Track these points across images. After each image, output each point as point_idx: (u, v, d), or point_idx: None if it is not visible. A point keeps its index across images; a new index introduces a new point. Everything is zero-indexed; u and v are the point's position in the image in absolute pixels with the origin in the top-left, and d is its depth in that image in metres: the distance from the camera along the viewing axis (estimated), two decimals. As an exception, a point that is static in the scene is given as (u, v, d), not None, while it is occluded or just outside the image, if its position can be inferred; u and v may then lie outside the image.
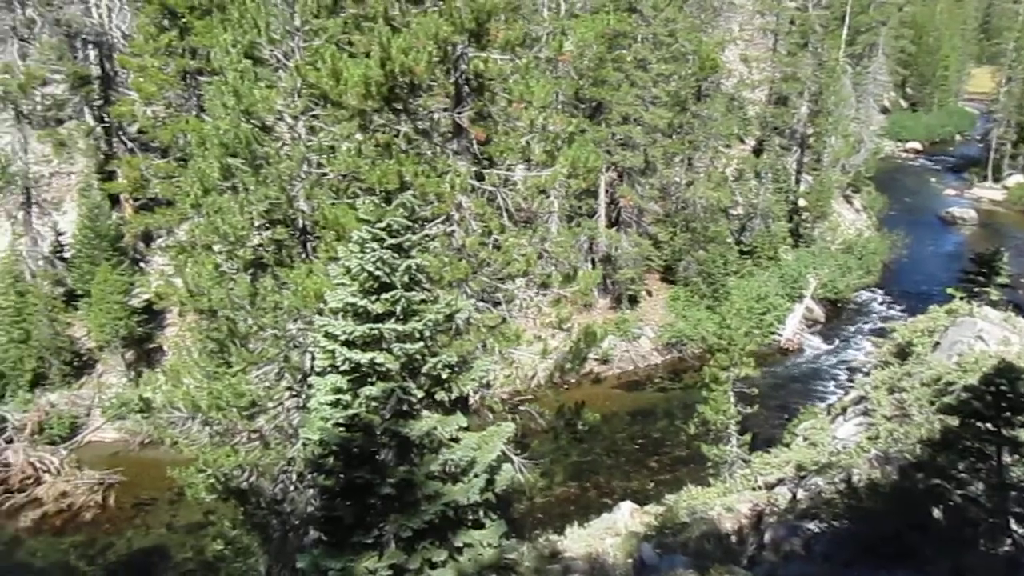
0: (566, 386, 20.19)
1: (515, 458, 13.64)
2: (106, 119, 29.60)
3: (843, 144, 46.30)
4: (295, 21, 12.84)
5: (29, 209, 27.12)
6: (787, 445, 20.65)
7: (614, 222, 35.72)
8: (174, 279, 26.21)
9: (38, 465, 24.10)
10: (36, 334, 25.67)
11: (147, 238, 29.88)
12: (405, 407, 11.60)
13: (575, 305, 14.25)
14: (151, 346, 28.28)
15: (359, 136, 11.92)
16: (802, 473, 17.12)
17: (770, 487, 17.45)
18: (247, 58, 12.68)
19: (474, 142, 12.23)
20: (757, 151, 43.88)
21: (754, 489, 17.74)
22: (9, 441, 24.34)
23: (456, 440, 12.18)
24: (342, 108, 11.30)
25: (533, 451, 14.88)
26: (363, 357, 10.97)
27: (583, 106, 34.05)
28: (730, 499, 17.19)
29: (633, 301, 35.34)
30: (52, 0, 27.09)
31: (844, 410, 21.40)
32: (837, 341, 36.20)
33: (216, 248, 12.56)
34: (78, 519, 23.13)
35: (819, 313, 38.07)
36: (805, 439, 20.22)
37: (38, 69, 26.62)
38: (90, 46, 29.91)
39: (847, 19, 53.33)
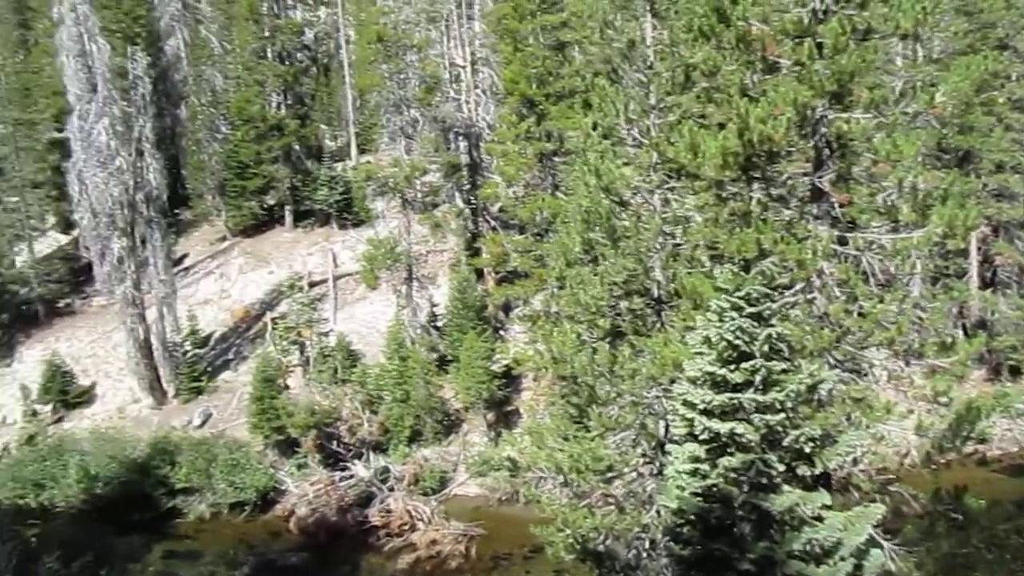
0: (941, 467, 18.22)
1: (885, 543, 12.55)
2: (473, 201, 32.91)
3: None
4: (650, 100, 13.44)
5: (411, 283, 30.74)
6: None
7: (989, 283, 31.97)
8: (531, 346, 28.09)
9: (413, 513, 26.64)
10: (414, 395, 28.66)
11: (506, 308, 32.35)
12: (765, 480, 11.24)
13: (954, 377, 12.91)
14: (509, 408, 30.28)
15: (714, 205, 12.05)
16: None
17: None
18: (605, 138, 13.48)
19: (836, 205, 11.78)
20: None
21: None
22: (391, 489, 27.24)
23: (820, 519, 11.53)
24: (698, 179, 11.53)
25: (905, 537, 13.58)
26: (722, 427, 10.86)
27: (947, 156, 31.21)
28: None
29: (1015, 372, 31.10)
30: (431, 101, 30.95)
31: None
32: None
33: (577, 317, 13.30)
34: (444, 566, 25.07)
35: None
36: None
37: (420, 161, 30.44)
38: (460, 137, 33.62)
39: None
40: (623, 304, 13.47)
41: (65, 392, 31.83)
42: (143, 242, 30.75)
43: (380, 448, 28.26)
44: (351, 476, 27.14)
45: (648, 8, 13.46)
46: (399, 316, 30.73)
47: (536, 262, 27.82)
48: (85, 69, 28.79)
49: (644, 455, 14.39)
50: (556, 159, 28.63)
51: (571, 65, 29.06)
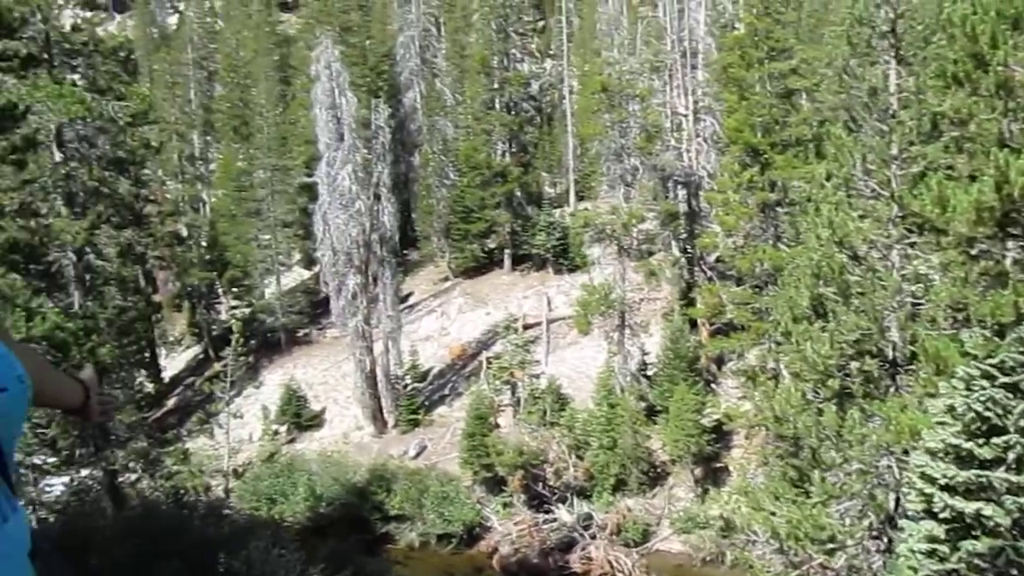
0: None
1: None
2: (690, 250, 32.48)
3: None
4: (892, 150, 12.71)
5: (623, 331, 30.69)
6: None
7: None
8: (744, 401, 27.09)
9: (615, 564, 26.26)
10: (621, 443, 28.43)
11: (719, 361, 31.46)
12: (1016, 571, 10.11)
13: None
14: (717, 465, 29.28)
15: (963, 263, 11.13)
16: None
17: None
18: (839, 189, 12.87)
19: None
20: None
21: None
22: (593, 537, 27.05)
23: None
24: (945, 235, 10.71)
25: None
26: (967, 506, 9.91)
27: None
28: None
29: None
30: (652, 149, 31.05)
31: None
32: None
33: (803, 376, 12.67)
34: (642, 621, 24.55)
35: None
36: None
37: (638, 209, 30.54)
38: (679, 186, 33.39)
39: None
40: (854, 365, 12.67)
41: (299, 415, 34.47)
42: (375, 280, 32.91)
43: (584, 494, 28.20)
44: (554, 519, 27.25)
45: (893, 54, 12.78)
46: (610, 363, 30.72)
47: (754, 315, 26.91)
48: (334, 120, 31.48)
49: (871, 528, 13.35)
50: (779, 209, 27.68)
51: (799, 113, 28.13)
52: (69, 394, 1.92)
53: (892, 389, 12.74)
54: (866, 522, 13.05)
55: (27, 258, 16.53)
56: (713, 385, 31.26)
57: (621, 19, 42.02)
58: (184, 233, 43.52)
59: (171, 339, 41.69)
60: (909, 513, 10.97)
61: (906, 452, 11.80)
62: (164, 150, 39.61)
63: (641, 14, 41.08)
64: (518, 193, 40.25)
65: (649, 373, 31.25)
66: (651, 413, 29.89)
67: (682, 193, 33.38)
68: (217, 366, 34.10)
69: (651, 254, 32.40)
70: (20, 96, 15.41)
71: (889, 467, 12.24)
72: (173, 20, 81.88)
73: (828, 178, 12.48)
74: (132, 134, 23.31)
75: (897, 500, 13.12)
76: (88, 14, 24.41)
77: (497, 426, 30.25)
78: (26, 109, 15.44)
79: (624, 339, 30.60)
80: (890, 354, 12.72)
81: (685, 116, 34.38)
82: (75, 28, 21.24)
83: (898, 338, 12.43)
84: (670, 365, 29.52)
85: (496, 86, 40.17)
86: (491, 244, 41.83)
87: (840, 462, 12.16)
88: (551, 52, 53.96)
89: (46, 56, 17.86)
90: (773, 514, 13.68)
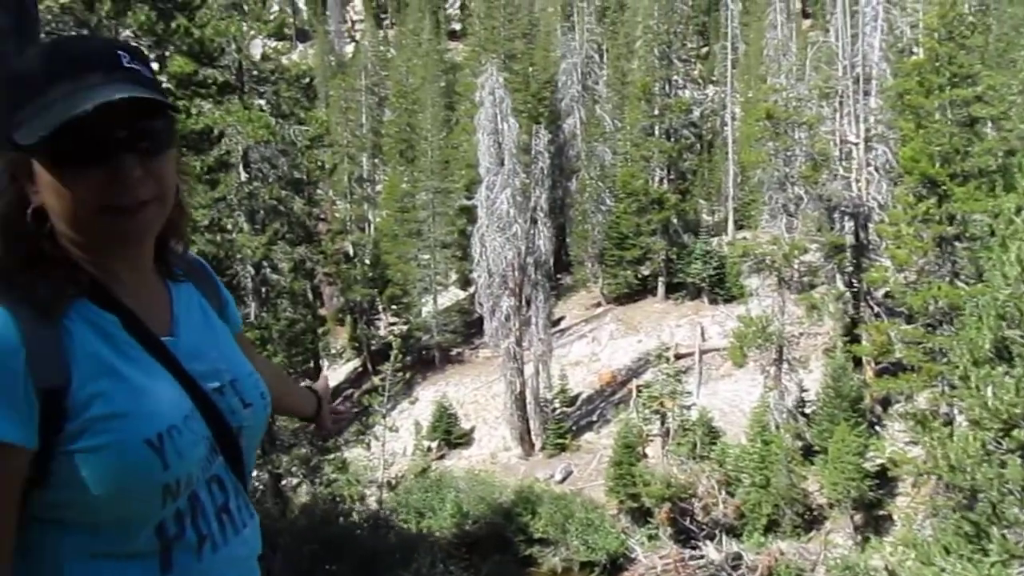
0: None
1: None
2: (856, 284, 30.96)
3: None
4: (1093, 183, 11.69)
5: (780, 365, 29.59)
6: None
7: None
8: (912, 447, 25.46)
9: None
10: (775, 482, 27.36)
11: (885, 402, 29.76)
12: None
13: None
14: (880, 512, 27.63)
15: None
16: None
17: None
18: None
19: None
20: None
21: None
22: (742, 577, 26.15)
23: None
24: None
25: None
26: None
27: None
28: None
29: None
30: (818, 179, 29.91)
31: None
32: None
33: (983, 424, 11.78)
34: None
35: None
36: None
37: (800, 240, 29.45)
38: (847, 217, 31.94)
39: None
40: (1042, 415, 11.66)
41: (449, 432, 35.29)
42: (528, 302, 33.33)
43: (733, 532, 27.29)
44: (701, 556, 26.48)
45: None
46: (765, 398, 29.70)
47: (926, 355, 25.30)
48: (496, 145, 32.26)
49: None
50: (958, 244, 25.98)
51: (984, 143, 26.37)
52: (302, 404, 2.10)
53: (1088, 444, 11.61)
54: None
55: (214, 270, 17.82)
56: (877, 427, 29.63)
57: (790, 45, 40.91)
58: (350, 251, 45.69)
59: (333, 351, 43.72)
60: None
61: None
62: (336, 171, 41.82)
63: (811, 39, 39.87)
64: (675, 220, 39.76)
65: (807, 411, 29.98)
66: (808, 453, 28.67)
67: (849, 225, 31.93)
68: (375, 380, 35.43)
69: (813, 287, 31.13)
70: (215, 120, 16.75)
71: (1082, 530, 11.15)
72: (349, 49, 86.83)
73: (1018, 212, 11.59)
74: (309, 156, 24.79)
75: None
76: (277, 44, 26.23)
77: (645, 456, 29.82)
78: (220, 133, 16.77)
79: (781, 374, 29.50)
80: (1086, 406, 11.61)
81: (855, 144, 32.94)
82: (264, 57, 22.89)
83: (1096, 388, 11.34)
84: (830, 404, 28.18)
85: (656, 113, 39.95)
86: (645, 271, 41.48)
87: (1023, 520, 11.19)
88: (714, 78, 53.19)
89: (238, 83, 19.32)
90: (943, 571, 12.74)
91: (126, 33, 15.86)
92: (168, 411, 1.30)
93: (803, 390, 30.39)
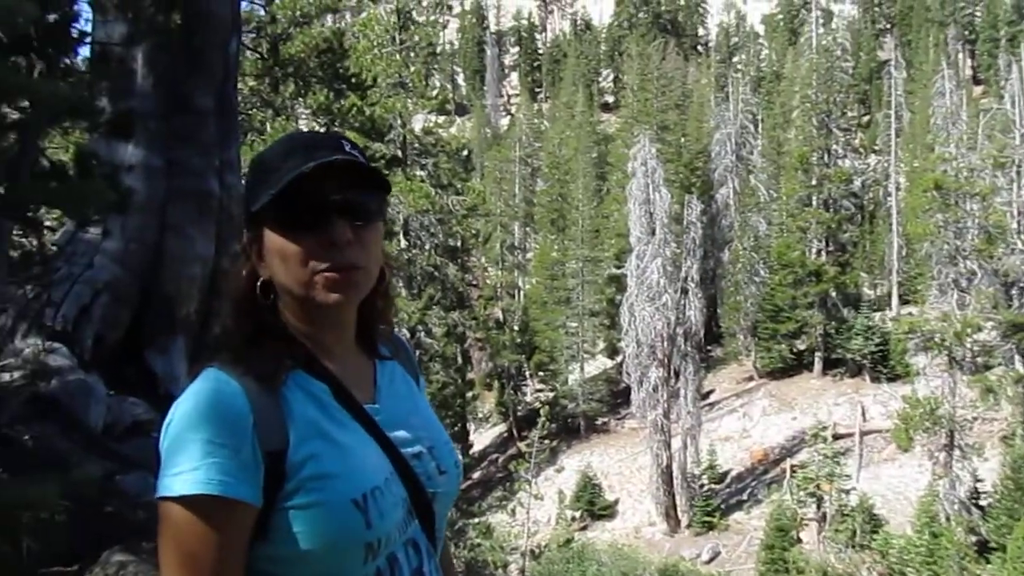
0: None
1: None
2: (1037, 367, 28.62)
3: None
4: None
5: (951, 451, 27.53)
6: None
7: None
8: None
9: None
10: (945, 578, 25.32)
11: (1075, 498, 27.03)
12: None
13: None
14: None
15: None
16: None
17: None
18: None
19: None
20: None
21: None
22: None
23: None
24: None
25: None
26: None
27: None
28: None
29: None
30: (993, 252, 28.12)
31: None
32: None
33: None
34: None
35: None
36: None
37: (974, 317, 27.59)
38: (1027, 294, 29.82)
39: None
40: None
41: (592, 503, 34.77)
42: (677, 374, 32.72)
43: (899, 631, 25.30)
44: (861, 654, 24.69)
45: None
46: (934, 486, 27.61)
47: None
48: (647, 215, 32.30)
49: None
50: None
51: None
52: None
53: None
54: None
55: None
56: (1065, 526, 26.88)
57: (960, 112, 39.02)
58: (500, 317, 46.55)
59: (480, 415, 44.30)
60: None
61: None
62: (489, 239, 43.04)
63: (984, 106, 37.94)
64: (833, 294, 38.21)
65: (983, 503, 27.62)
66: (983, 549, 26.32)
67: (1031, 302, 29.72)
68: (521, 445, 35.63)
69: (988, 368, 29.00)
70: (381, 192, 17.65)
71: None
72: (505, 122, 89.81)
73: None
74: (464, 224, 25.69)
75: None
76: (438, 118, 27.59)
77: (799, 541, 28.25)
78: (387, 204, 17.67)
79: (952, 461, 27.43)
80: None
81: (1035, 217, 30.86)
82: (426, 131, 24.12)
83: None
84: (1009, 496, 25.85)
85: (814, 182, 38.91)
86: (801, 345, 39.91)
87: None
88: (876, 147, 51.40)
89: (402, 156, 20.42)
90: None
91: (305, 112, 17.16)
92: (372, 473, 1.42)
93: (977, 480, 28.08)
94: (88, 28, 7.19)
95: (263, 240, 1.46)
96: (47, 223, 7.12)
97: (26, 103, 5.09)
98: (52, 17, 5.44)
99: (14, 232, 6.15)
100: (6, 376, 5.61)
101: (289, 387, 1.42)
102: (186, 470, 1.29)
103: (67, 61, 6.12)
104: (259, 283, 1.47)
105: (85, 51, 7.52)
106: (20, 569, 3.51)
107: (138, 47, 7.31)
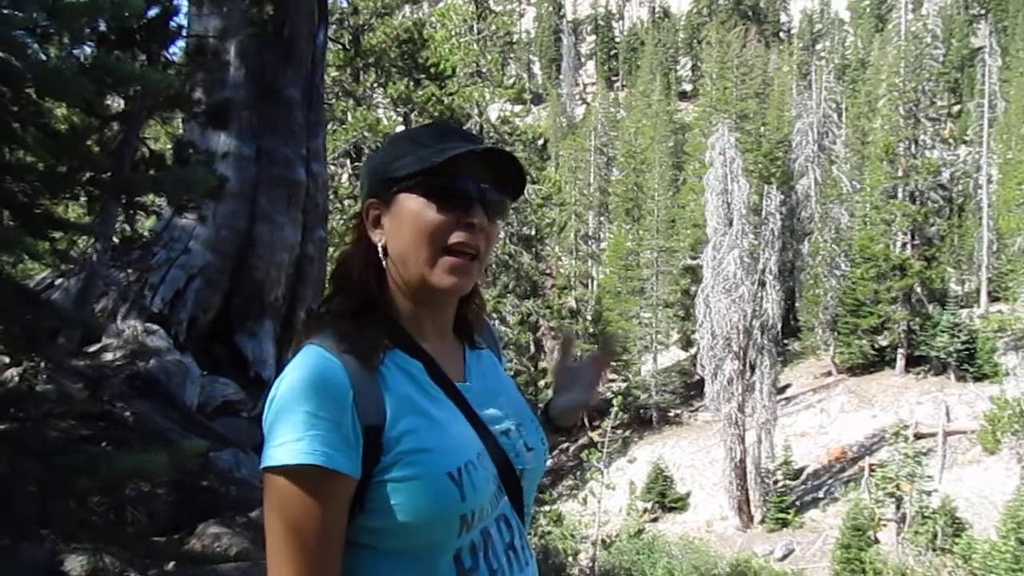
0: None
1: None
2: None
3: None
4: None
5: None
6: None
7: None
8: None
9: None
10: (1031, 587, 24.39)
11: None
12: None
13: None
14: None
15: None
16: None
17: None
18: None
19: None
20: None
21: None
22: None
23: None
24: None
25: None
26: None
27: None
28: None
29: None
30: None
31: None
32: None
33: None
34: None
35: None
36: None
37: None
38: None
39: None
40: None
41: (664, 495, 34.55)
42: (752, 367, 32.20)
43: (983, 639, 24.49)
44: (941, 660, 23.99)
45: None
46: (1021, 490, 26.58)
47: None
48: (724, 205, 31.79)
49: None
50: None
51: None
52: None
53: None
54: None
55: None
56: None
57: (1059, 101, 37.24)
58: (573, 306, 46.48)
59: (552, 404, 44.31)
60: None
61: None
62: (564, 228, 42.97)
63: (1086, 95, 36.12)
64: (918, 289, 36.98)
65: (1075, 510, 26.47)
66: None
67: None
68: (592, 435, 35.56)
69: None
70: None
71: None
72: (580, 111, 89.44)
73: None
74: (539, 214, 25.73)
75: None
76: (514, 108, 27.65)
77: (876, 541, 27.55)
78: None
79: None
80: None
81: None
82: (502, 120, 24.22)
83: None
84: (1105, 504, 24.77)
85: (900, 174, 37.66)
86: (883, 341, 38.77)
87: None
88: (967, 138, 49.45)
89: (479, 146, 20.51)
90: None
91: (384, 101, 17.44)
92: (465, 448, 1.48)
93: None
94: (185, 22, 7.47)
95: (393, 205, 1.50)
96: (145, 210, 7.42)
97: (130, 93, 5.33)
98: (153, 11, 5.68)
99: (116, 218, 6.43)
100: (108, 356, 5.91)
101: (386, 364, 1.48)
102: (289, 440, 1.34)
103: (165, 54, 6.38)
104: (380, 245, 1.52)
105: (181, 44, 7.82)
106: (125, 537, 3.71)
107: (231, 39, 7.57)
